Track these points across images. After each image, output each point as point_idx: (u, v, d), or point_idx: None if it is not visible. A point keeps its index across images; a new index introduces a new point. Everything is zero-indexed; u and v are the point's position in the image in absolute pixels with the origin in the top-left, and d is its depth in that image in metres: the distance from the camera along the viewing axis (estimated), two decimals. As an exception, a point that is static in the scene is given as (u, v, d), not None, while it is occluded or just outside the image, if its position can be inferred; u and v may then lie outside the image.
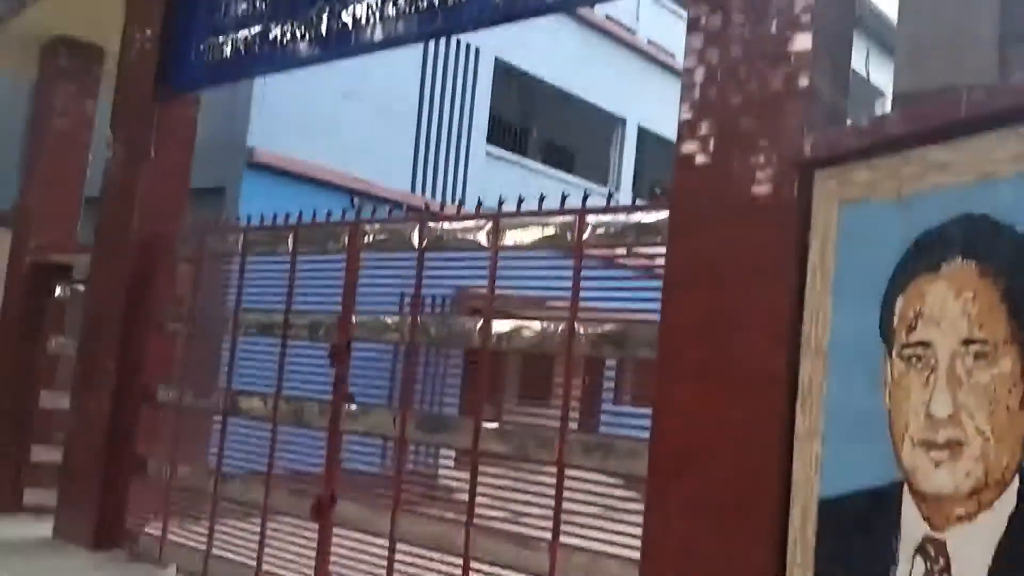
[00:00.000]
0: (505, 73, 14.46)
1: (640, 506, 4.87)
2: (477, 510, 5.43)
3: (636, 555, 4.57)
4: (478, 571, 5.33)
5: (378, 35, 6.60)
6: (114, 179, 8.25)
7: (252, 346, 7.10)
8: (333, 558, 6.12)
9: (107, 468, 7.71)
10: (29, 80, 10.90)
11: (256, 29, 7.44)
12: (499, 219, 5.55)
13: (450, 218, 5.88)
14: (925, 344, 3.23)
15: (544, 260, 5.66)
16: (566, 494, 5.06)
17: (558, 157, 17.17)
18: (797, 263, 4.00)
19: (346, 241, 6.44)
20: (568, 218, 5.24)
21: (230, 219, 7.63)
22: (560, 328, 5.22)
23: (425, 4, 6.22)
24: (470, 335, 5.62)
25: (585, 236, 5.14)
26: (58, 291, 9.47)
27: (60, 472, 8.21)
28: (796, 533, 3.85)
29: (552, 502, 5.07)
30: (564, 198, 5.30)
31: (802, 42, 4.08)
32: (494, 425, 5.44)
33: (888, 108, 4.20)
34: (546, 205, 5.37)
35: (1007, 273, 2.96)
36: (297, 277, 6.79)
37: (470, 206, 5.93)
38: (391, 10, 6.46)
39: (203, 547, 6.95)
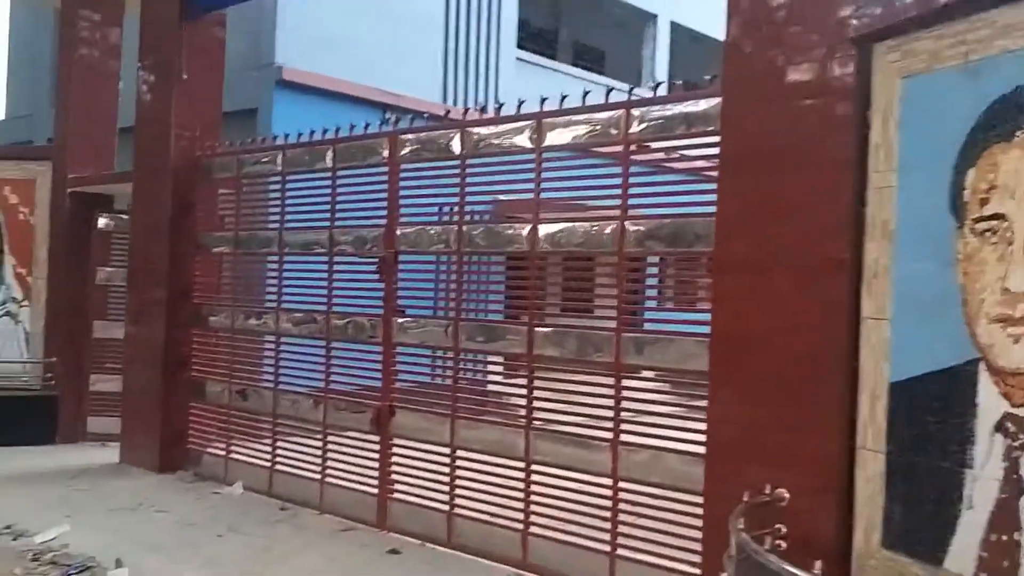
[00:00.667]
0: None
1: (695, 404, 4.87)
2: (527, 414, 5.44)
3: (696, 450, 4.57)
4: (539, 473, 5.37)
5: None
6: (147, 104, 8.18)
7: (299, 265, 7.08)
8: (394, 468, 6.20)
9: (166, 393, 7.83)
10: (54, 10, 10.76)
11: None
12: (542, 118, 5.41)
13: (490, 121, 5.75)
14: (1000, 217, 3.11)
15: (586, 163, 5.55)
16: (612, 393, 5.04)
17: (589, 58, 16.79)
18: (858, 143, 3.85)
19: (386, 152, 6.34)
20: (614, 113, 5.09)
21: (266, 138, 7.54)
22: (609, 228, 5.12)
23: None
24: (517, 240, 5.54)
25: (632, 130, 5.00)
26: (101, 222, 9.51)
27: (121, 400, 8.36)
28: (865, 418, 3.80)
29: (609, 403, 5.06)
30: (609, 91, 5.15)
31: (856, -93, 3.85)
32: (547, 330, 5.40)
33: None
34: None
35: (1090, 135, 2.82)
36: (338, 192, 6.73)
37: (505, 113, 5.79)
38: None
39: (267, 464, 7.08)
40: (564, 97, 5.33)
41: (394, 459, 6.21)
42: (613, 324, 5.09)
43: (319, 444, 6.71)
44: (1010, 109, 3.10)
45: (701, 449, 4.49)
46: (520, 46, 14.22)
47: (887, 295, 3.65)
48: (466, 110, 6.10)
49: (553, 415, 5.43)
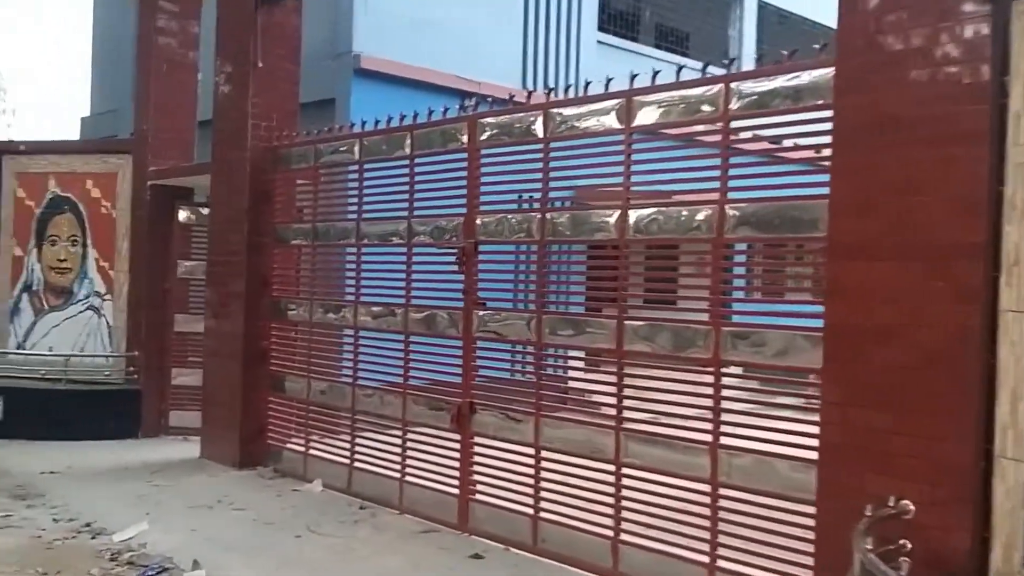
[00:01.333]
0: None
1: (794, 403, 4.46)
2: (616, 413, 5.10)
3: (806, 455, 4.17)
4: (630, 477, 5.03)
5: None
6: (224, 94, 8.05)
7: (377, 256, 6.85)
8: (476, 467, 5.92)
9: (245, 388, 7.70)
10: (136, 3, 10.76)
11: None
12: (632, 96, 5.06)
13: (575, 102, 5.40)
14: None
15: (671, 144, 5.18)
16: (710, 392, 4.67)
17: (672, 40, 16.25)
18: (994, 113, 3.42)
19: (465, 138, 6.06)
20: (711, 88, 4.71)
21: (343, 126, 7.33)
22: (703, 214, 4.74)
23: None
24: (604, 227, 5.19)
25: (732, 106, 4.61)
26: (182, 215, 9.45)
27: (202, 394, 8.27)
28: (1005, 421, 3.38)
29: (705, 402, 4.69)
30: (705, 66, 4.76)
31: None
32: (637, 323, 5.04)
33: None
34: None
35: None
36: (416, 180, 6.47)
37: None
38: None
39: (346, 461, 6.88)
40: (656, 73, 4.97)
41: (475, 458, 5.93)
42: (706, 316, 4.72)
43: (398, 441, 6.47)
44: None
45: (812, 454, 4.10)
46: (601, 29, 13.80)
47: (1033, 284, 3.22)
48: (549, 91, 5.75)
49: (644, 415, 5.07)
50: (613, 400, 5.12)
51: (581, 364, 6.54)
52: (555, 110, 5.47)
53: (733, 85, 4.61)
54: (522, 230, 5.71)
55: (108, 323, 9.49)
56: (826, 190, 4.08)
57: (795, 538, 4.20)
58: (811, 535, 4.06)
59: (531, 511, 5.50)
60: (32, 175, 9.82)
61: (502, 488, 5.71)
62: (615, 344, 5.09)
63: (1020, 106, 3.36)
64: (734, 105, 4.60)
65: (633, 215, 5.05)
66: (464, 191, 6.02)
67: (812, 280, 4.61)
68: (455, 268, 6.04)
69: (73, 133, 17.39)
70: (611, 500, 5.08)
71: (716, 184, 4.67)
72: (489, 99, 6.18)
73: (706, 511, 4.63)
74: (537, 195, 5.68)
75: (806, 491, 4.14)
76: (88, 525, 5.93)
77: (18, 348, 9.62)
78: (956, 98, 3.50)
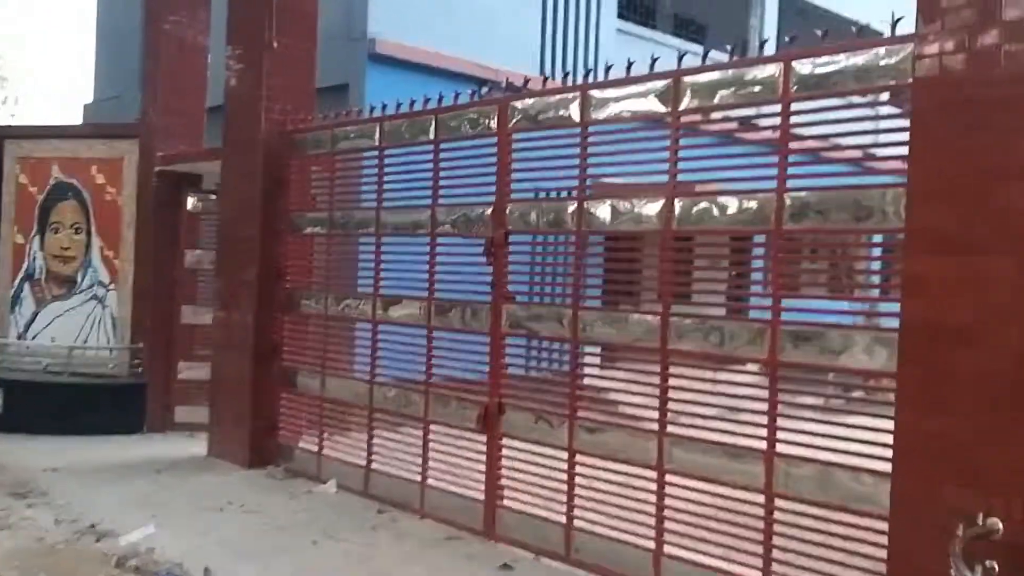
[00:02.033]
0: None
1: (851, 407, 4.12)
2: (661, 416, 4.76)
3: (870, 464, 3.85)
4: (674, 485, 4.70)
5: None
6: (236, 76, 7.70)
7: (398, 247, 6.51)
8: (504, 471, 5.59)
9: (256, 383, 7.37)
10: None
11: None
12: (680, 76, 4.72)
13: (617, 83, 5.05)
14: None
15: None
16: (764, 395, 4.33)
17: (690, 31, 15.92)
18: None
19: (494, 122, 5.72)
20: (768, 68, 4.36)
21: (361, 110, 6.99)
22: (754, 203, 4.41)
23: None
24: (645, 219, 4.85)
25: (792, 87, 4.26)
26: (190, 202, 9.11)
27: (210, 389, 7.94)
28: (1116, 435, 3.05)
29: (758, 405, 4.35)
30: (763, 44, 4.42)
31: None
32: (685, 320, 4.70)
33: None
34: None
35: None
36: (441, 168, 6.12)
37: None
38: None
39: (362, 461, 6.54)
40: (706, 53, 4.63)
41: (504, 461, 5.60)
42: (763, 314, 4.38)
43: (419, 442, 6.13)
44: None
45: (884, 465, 3.76)
46: (620, 16, 13.45)
47: None
48: (587, 73, 5.40)
49: (688, 418, 4.73)
50: (652, 402, 4.78)
51: (597, 361, 6.22)
52: (594, 92, 5.13)
53: (795, 64, 4.26)
54: (557, 220, 5.36)
55: (112, 314, 9.15)
56: (888, 179, 3.76)
57: (862, 555, 3.87)
58: (882, 552, 3.74)
59: (564, 519, 5.17)
60: (35, 160, 9.47)
61: (533, 494, 5.37)
62: (659, 342, 4.75)
63: None
64: (794, 87, 4.26)
65: (679, 205, 4.72)
66: (494, 178, 5.68)
67: (881, 275, 4.28)
68: (483, 260, 5.71)
69: (76, 121, 17.03)
70: (652, 509, 4.75)
71: (772, 171, 4.33)
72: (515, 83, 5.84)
73: (759, 523, 4.30)
74: (572, 183, 5.34)
75: (876, 504, 3.81)
76: (92, 527, 5.60)
77: (19, 339, 9.28)
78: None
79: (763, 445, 4.28)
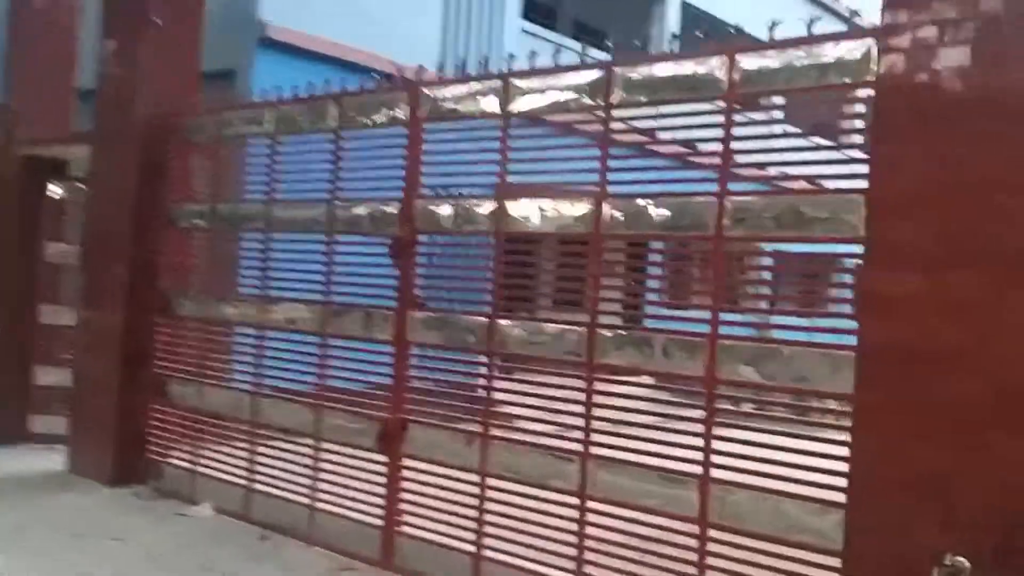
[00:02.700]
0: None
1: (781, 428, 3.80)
2: (585, 436, 4.35)
3: (817, 493, 3.54)
4: (597, 513, 4.29)
5: None
6: (112, 54, 6.95)
7: (290, 245, 5.92)
8: (405, 495, 5.08)
9: (123, 391, 6.63)
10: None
11: None
12: (612, 68, 4.33)
13: (546, 72, 4.63)
14: None
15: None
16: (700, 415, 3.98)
17: (588, 37, 15.70)
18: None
19: (404, 110, 5.22)
20: (707, 62, 4.02)
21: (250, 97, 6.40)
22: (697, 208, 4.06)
23: None
24: (583, 221, 4.43)
25: (737, 83, 3.92)
26: (53, 190, 8.25)
27: (70, 397, 7.14)
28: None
29: (693, 427, 3.99)
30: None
31: None
32: (611, 333, 4.29)
33: None
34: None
35: None
36: (342, 160, 5.58)
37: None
38: None
39: (243, 481, 5.92)
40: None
41: (405, 483, 5.09)
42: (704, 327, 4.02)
43: (309, 460, 5.55)
44: None
45: (836, 496, 3.44)
46: (524, 17, 13.11)
47: None
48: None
49: (613, 438, 4.33)
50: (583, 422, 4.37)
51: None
52: (517, 81, 4.69)
53: (741, 58, 3.93)
54: (473, 220, 4.90)
55: (-40, 312, 8.19)
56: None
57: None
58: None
59: (474, 549, 4.70)
60: None
61: (438, 520, 4.88)
62: (586, 356, 4.34)
63: None
64: (740, 83, 3.92)
65: (607, 209, 4.33)
66: (402, 173, 5.18)
67: (829, 288, 3.98)
68: (387, 261, 5.21)
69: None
70: (573, 539, 4.33)
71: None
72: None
73: (692, 556, 3.93)
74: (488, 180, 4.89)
75: (824, 538, 3.49)
76: (-77, 558, 4.84)
77: None
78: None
79: (699, 470, 3.92)
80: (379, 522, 5.12)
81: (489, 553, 4.65)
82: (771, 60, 3.85)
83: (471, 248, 5.38)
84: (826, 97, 3.86)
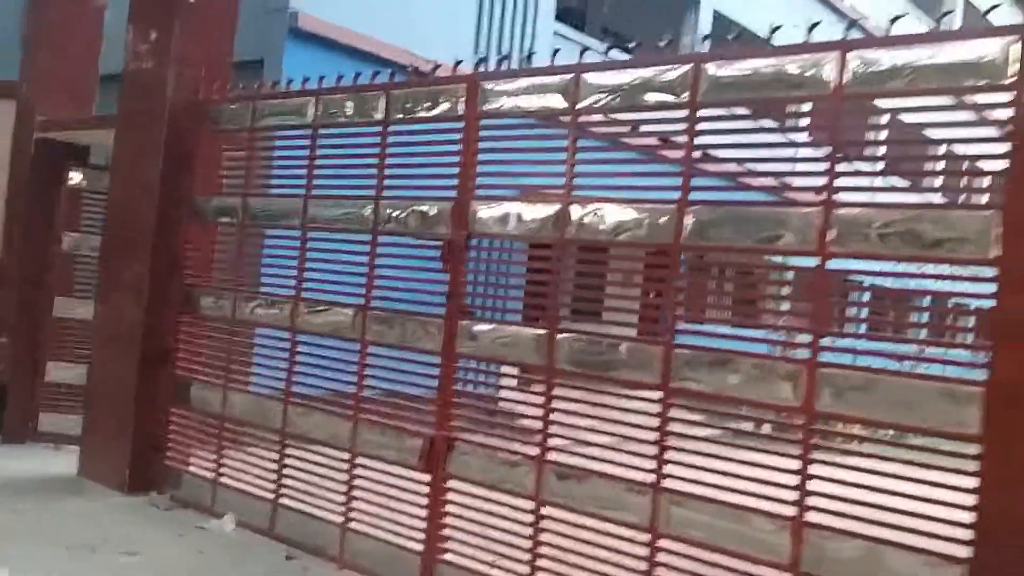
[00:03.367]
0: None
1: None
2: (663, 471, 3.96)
3: (931, 544, 3.16)
4: (672, 553, 3.90)
5: None
6: (141, 32, 6.57)
7: (329, 244, 5.54)
8: (449, 519, 4.69)
9: (142, 392, 6.24)
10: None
11: None
12: (700, 61, 3.95)
13: (622, 65, 4.26)
14: None
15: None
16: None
17: (619, 44, 15.36)
18: None
19: (462, 103, 4.84)
20: (821, 56, 3.64)
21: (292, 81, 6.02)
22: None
23: None
24: (658, 228, 4.05)
25: (847, 80, 3.54)
26: (73, 177, 7.87)
27: (84, 396, 6.76)
28: None
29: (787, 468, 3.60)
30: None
31: None
32: (691, 352, 3.91)
33: None
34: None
35: None
36: (388, 154, 5.21)
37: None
38: None
39: (269, 495, 5.53)
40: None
41: (450, 507, 4.70)
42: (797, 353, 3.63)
43: (344, 475, 5.17)
44: None
45: (957, 549, 3.06)
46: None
47: None
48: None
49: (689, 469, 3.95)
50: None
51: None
52: (590, 77, 4.31)
53: (853, 55, 3.55)
54: (535, 223, 4.51)
55: (-31, 301, 7.81)
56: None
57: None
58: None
59: (526, 582, 4.31)
60: None
61: (484, 549, 4.49)
62: (660, 379, 3.95)
63: None
64: (848, 82, 3.55)
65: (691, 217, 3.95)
66: (457, 170, 4.80)
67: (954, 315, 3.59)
68: (433, 265, 4.83)
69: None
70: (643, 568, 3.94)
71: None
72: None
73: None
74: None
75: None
76: (-77, 571, 4.45)
77: None
78: None
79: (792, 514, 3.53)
80: (419, 547, 4.73)
81: (542, 588, 4.26)
82: (888, 58, 3.47)
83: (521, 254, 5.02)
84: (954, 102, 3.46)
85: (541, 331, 4.40)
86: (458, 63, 5.07)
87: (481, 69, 4.90)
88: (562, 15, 13.24)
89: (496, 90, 4.71)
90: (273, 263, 5.88)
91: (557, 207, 4.38)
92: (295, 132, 5.78)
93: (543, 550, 4.29)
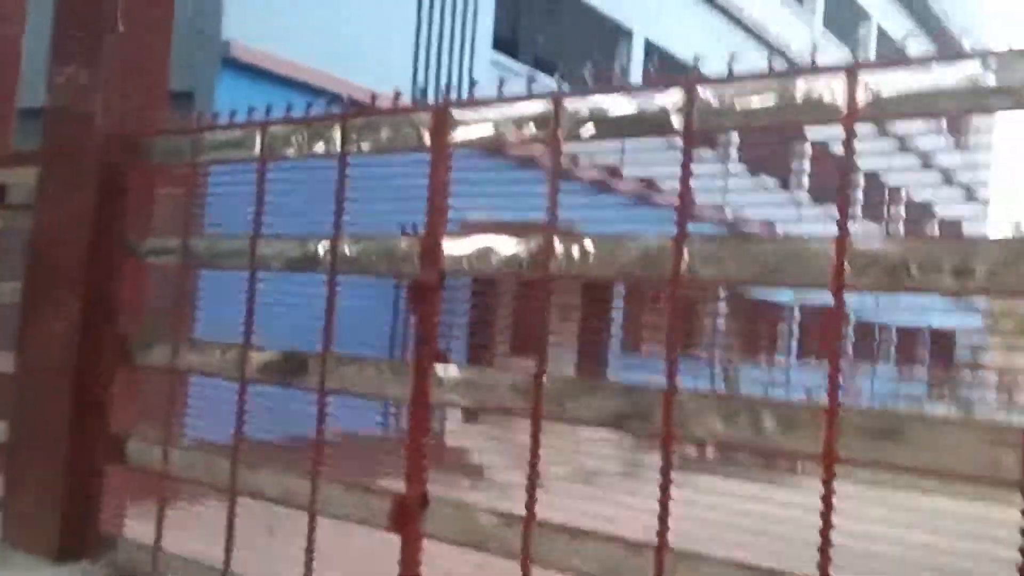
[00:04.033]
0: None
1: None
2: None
3: None
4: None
5: None
6: (65, 60, 6.10)
7: (281, 285, 5.15)
8: (424, 583, 4.32)
9: (72, 449, 5.73)
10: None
11: None
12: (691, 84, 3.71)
13: (613, 89, 4.00)
14: None
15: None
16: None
17: (549, 70, 15.26)
18: None
19: (427, 134, 4.53)
20: (828, 79, 3.42)
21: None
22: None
23: None
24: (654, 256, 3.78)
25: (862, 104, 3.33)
26: (-11, 218, 7.31)
27: (6, 454, 6.19)
28: None
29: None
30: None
31: None
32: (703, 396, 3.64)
33: None
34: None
35: None
36: (348, 187, 4.85)
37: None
38: None
39: (218, 562, 5.06)
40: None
41: (424, 570, 4.32)
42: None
43: (303, 537, 4.75)
44: None
45: None
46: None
47: None
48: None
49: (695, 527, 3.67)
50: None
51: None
52: (570, 103, 4.04)
53: (864, 77, 3.34)
54: (515, 261, 4.20)
55: None
56: None
57: None
58: None
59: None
60: None
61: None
62: (660, 424, 3.67)
63: None
64: (865, 103, 3.34)
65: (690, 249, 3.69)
66: (424, 204, 4.47)
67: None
68: (404, 307, 4.49)
69: None
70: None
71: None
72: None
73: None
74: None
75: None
76: None
77: None
78: None
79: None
80: (391, 615, 4.35)
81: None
82: (904, 80, 3.27)
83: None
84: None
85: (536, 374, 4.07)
86: (398, 94, 4.76)
87: (453, 96, 4.57)
88: (497, 44, 13.05)
89: (467, 118, 4.41)
90: (219, 306, 5.46)
91: (539, 241, 4.08)
92: (240, 167, 5.39)
93: (534, 616, 3.94)
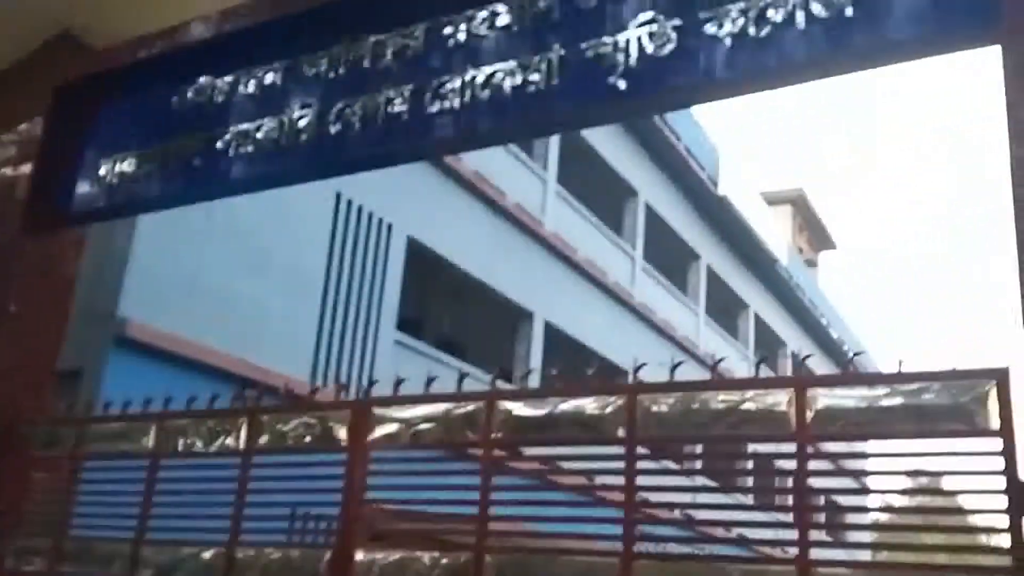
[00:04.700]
0: (417, 254, 12.61)
1: None
2: None
3: None
4: None
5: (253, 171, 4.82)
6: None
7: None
8: None
9: None
10: None
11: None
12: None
13: (545, 392, 3.80)
14: None
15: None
16: None
17: (450, 350, 15.34)
18: None
19: (343, 433, 4.20)
20: (780, 394, 3.30)
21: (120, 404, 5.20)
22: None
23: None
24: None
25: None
26: None
27: None
28: None
29: None
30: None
31: None
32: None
33: None
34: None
35: None
36: (250, 490, 4.41)
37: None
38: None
39: None
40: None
41: None
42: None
43: None
44: None
45: None
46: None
47: None
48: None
49: None
50: None
51: None
52: (563, 404, 3.82)
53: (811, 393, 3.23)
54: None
55: None
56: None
57: None
58: None
59: None
60: None
61: None
62: None
63: None
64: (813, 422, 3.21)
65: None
66: (338, 509, 4.07)
67: None
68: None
69: None
70: None
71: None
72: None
73: None
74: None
75: None
76: None
77: None
78: None
79: None
80: None
81: None
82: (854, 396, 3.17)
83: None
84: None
85: None
86: (315, 389, 4.49)
87: (372, 393, 4.30)
88: (401, 324, 13.07)
89: (388, 416, 4.12)
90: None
91: (467, 556, 3.70)
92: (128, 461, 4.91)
93: None
